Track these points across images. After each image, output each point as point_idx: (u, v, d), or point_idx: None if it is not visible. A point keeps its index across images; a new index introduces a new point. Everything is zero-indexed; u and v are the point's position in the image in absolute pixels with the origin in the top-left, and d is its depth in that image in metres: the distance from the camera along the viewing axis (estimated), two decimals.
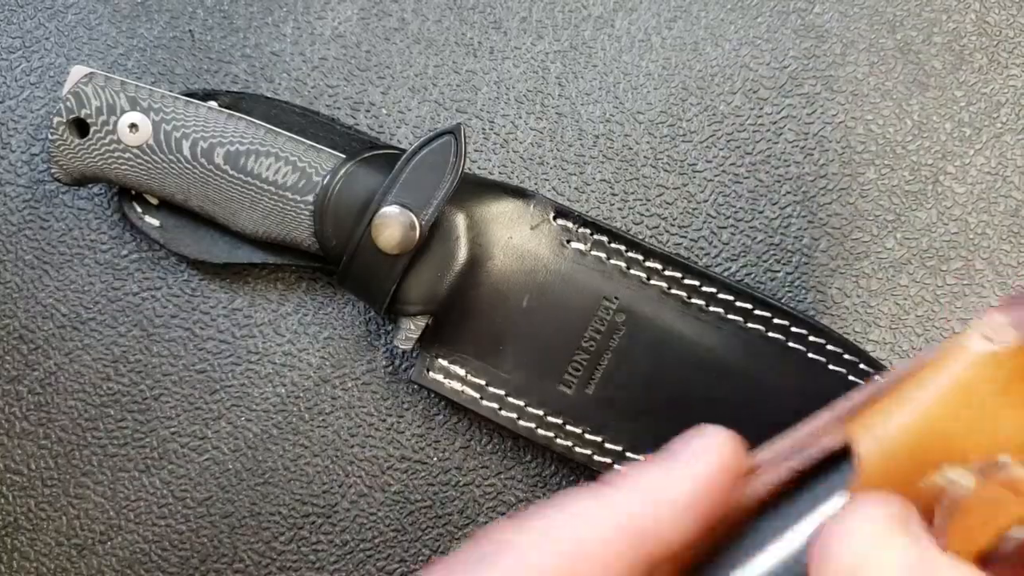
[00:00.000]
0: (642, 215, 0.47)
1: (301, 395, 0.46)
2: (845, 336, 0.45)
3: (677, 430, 0.41)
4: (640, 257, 0.44)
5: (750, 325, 0.44)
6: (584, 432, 0.44)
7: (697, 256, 0.46)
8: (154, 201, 0.44)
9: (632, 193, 0.47)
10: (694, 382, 0.43)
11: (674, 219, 0.47)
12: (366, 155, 0.42)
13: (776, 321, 0.44)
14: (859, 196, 0.47)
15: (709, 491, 0.28)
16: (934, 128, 0.47)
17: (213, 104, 0.44)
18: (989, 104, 0.47)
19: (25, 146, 0.47)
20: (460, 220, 0.43)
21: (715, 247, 0.46)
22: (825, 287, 0.46)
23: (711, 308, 0.44)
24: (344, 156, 0.42)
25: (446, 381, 0.44)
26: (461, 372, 0.44)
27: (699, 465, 0.28)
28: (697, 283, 0.44)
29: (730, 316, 0.44)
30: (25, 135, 0.47)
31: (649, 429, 0.44)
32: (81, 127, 0.43)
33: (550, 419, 0.44)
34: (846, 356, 0.44)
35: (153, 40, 0.48)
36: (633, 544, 0.27)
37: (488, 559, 0.27)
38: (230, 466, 0.46)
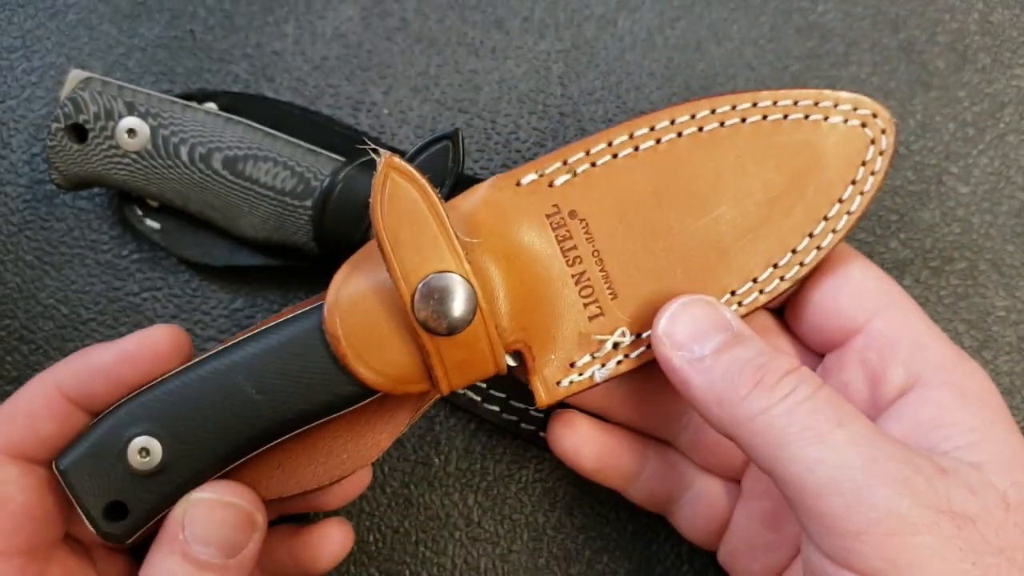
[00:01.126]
0: None
1: None
2: None
3: None
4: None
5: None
6: None
7: None
8: (154, 204, 0.44)
9: None
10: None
11: None
12: (365, 158, 0.42)
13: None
14: None
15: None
16: (937, 128, 0.47)
17: (212, 107, 0.43)
18: (992, 104, 0.47)
19: (26, 146, 0.47)
20: None
21: None
22: None
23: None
24: (343, 159, 0.42)
25: None
26: None
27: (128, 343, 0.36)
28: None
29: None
30: (26, 135, 0.47)
31: None
32: (79, 132, 0.42)
33: None
34: None
35: (154, 40, 0.47)
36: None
37: None
38: None
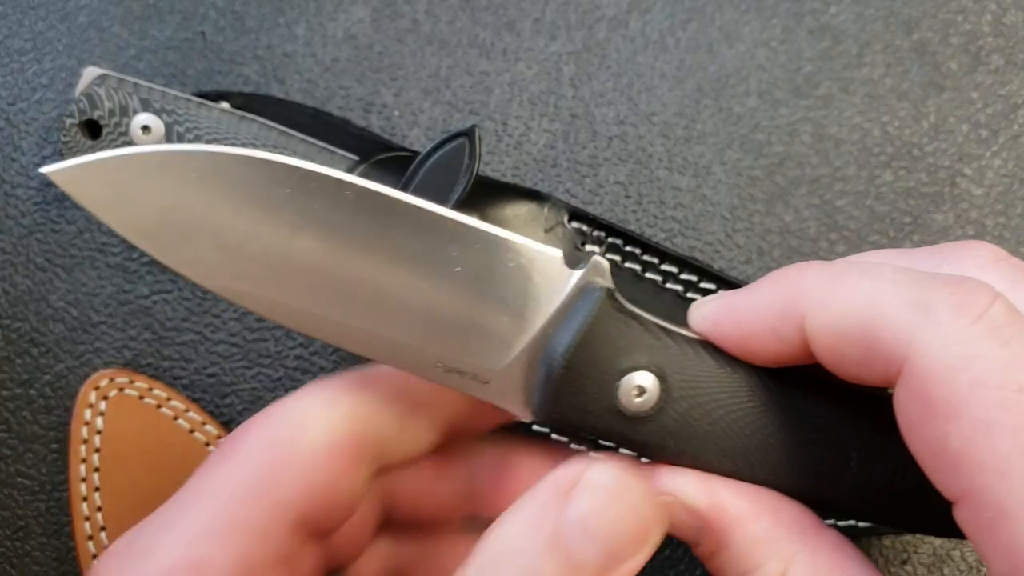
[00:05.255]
0: (656, 217, 0.46)
1: None
2: None
3: None
4: (655, 260, 0.43)
5: None
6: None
7: (712, 259, 0.46)
8: None
9: (646, 195, 0.46)
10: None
11: (689, 222, 0.46)
12: (379, 157, 0.42)
13: None
14: (875, 199, 0.46)
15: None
16: (951, 130, 0.47)
17: (225, 105, 0.43)
18: (1006, 106, 0.47)
19: (37, 148, 0.47)
20: None
21: (730, 250, 0.46)
22: None
23: None
24: (357, 158, 0.42)
25: None
26: None
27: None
28: (713, 287, 0.43)
29: None
30: (36, 137, 0.47)
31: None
32: (93, 129, 0.42)
33: None
34: None
35: (164, 42, 0.47)
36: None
37: None
38: None
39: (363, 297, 0.29)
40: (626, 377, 0.29)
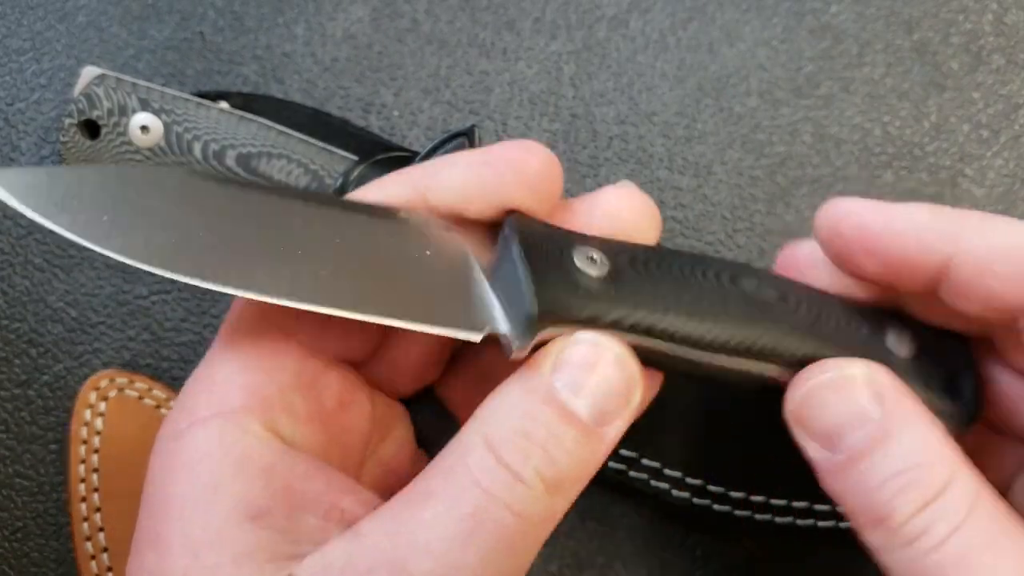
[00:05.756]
0: None
1: None
2: None
3: (717, 451, 0.41)
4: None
5: None
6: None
7: None
8: None
9: (647, 195, 0.46)
10: (755, 410, 0.42)
11: (689, 222, 0.46)
12: (379, 157, 0.42)
13: None
14: (877, 198, 0.46)
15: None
16: (952, 130, 0.47)
17: (224, 105, 0.43)
18: (1007, 106, 0.47)
19: (35, 148, 0.47)
20: None
21: (731, 250, 0.46)
22: None
23: None
24: (356, 158, 0.42)
25: None
26: None
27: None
28: None
29: None
30: (35, 137, 0.47)
31: (720, 459, 0.42)
32: (92, 128, 0.42)
33: None
34: None
35: (163, 42, 0.47)
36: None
37: None
38: None
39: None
40: (576, 252, 0.30)
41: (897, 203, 0.32)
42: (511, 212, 0.32)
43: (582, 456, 0.28)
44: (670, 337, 0.30)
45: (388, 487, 0.30)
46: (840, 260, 0.32)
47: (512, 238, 0.30)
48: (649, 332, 0.30)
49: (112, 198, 0.29)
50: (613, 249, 0.31)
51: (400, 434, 0.35)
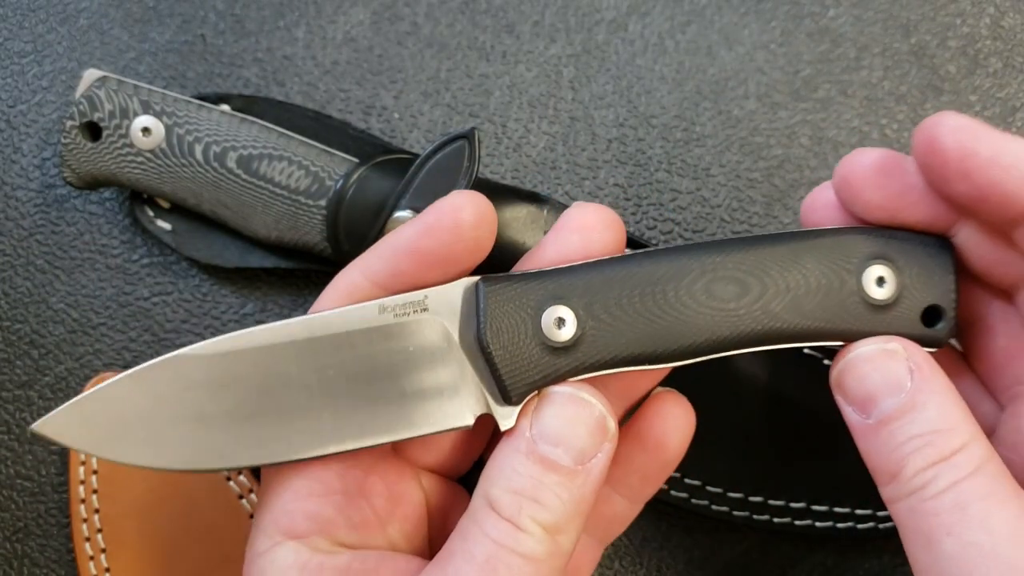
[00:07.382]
0: (655, 220, 0.46)
1: None
2: None
3: (744, 462, 0.41)
4: None
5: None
6: None
7: None
8: (166, 205, 0.44)
9: (645, 198, 0.46)
10: (751, 410, 0.42)
11: (688, 224, 0.46)
12: (379, 159, 0.42)
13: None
14: None
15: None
16: None
17: (225, 108, 0.44)
18: (1004, 108, 0.47)
19: (37, 150, 0.47)
20: None
21: None
22: None
23: None
24: (357, 160, 0.42)
25: None
26: None
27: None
28: None
29: None
30: (37, 139, 0.47)
31: (716, 459, 0.42)
32: (93, 130, 0.42)
33: None
34: None
35: (165, 44, 0.47)
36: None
37: None
38: None
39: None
40: (545, 317, 0.33)
41: (1005, 134, 0.32)
42: (479, 278, 0.33)
43: (571, 496, 0.31)
44: (634, 361, 0.33)
45: None
46: (930, 172, 0.33)
47: (482, 320, 0.32)
48: (615, 364, 0.33)
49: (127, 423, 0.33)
50: (581, 296, 0.33)
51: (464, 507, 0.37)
